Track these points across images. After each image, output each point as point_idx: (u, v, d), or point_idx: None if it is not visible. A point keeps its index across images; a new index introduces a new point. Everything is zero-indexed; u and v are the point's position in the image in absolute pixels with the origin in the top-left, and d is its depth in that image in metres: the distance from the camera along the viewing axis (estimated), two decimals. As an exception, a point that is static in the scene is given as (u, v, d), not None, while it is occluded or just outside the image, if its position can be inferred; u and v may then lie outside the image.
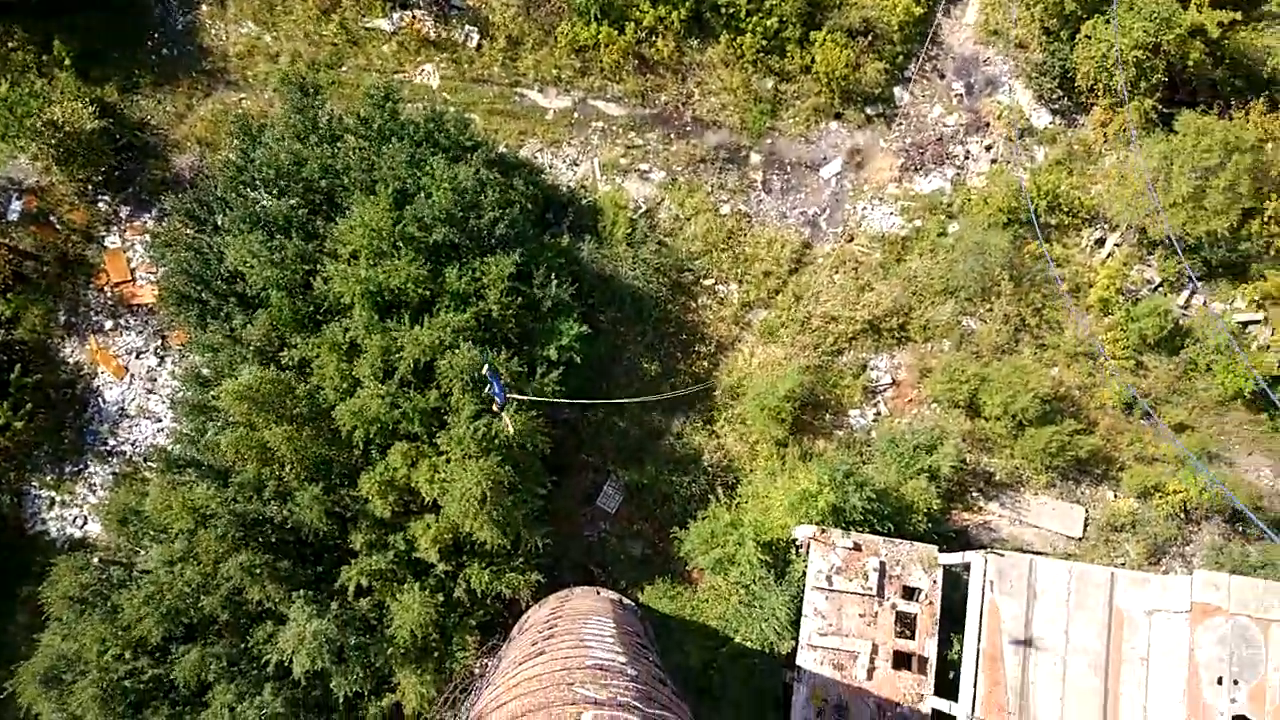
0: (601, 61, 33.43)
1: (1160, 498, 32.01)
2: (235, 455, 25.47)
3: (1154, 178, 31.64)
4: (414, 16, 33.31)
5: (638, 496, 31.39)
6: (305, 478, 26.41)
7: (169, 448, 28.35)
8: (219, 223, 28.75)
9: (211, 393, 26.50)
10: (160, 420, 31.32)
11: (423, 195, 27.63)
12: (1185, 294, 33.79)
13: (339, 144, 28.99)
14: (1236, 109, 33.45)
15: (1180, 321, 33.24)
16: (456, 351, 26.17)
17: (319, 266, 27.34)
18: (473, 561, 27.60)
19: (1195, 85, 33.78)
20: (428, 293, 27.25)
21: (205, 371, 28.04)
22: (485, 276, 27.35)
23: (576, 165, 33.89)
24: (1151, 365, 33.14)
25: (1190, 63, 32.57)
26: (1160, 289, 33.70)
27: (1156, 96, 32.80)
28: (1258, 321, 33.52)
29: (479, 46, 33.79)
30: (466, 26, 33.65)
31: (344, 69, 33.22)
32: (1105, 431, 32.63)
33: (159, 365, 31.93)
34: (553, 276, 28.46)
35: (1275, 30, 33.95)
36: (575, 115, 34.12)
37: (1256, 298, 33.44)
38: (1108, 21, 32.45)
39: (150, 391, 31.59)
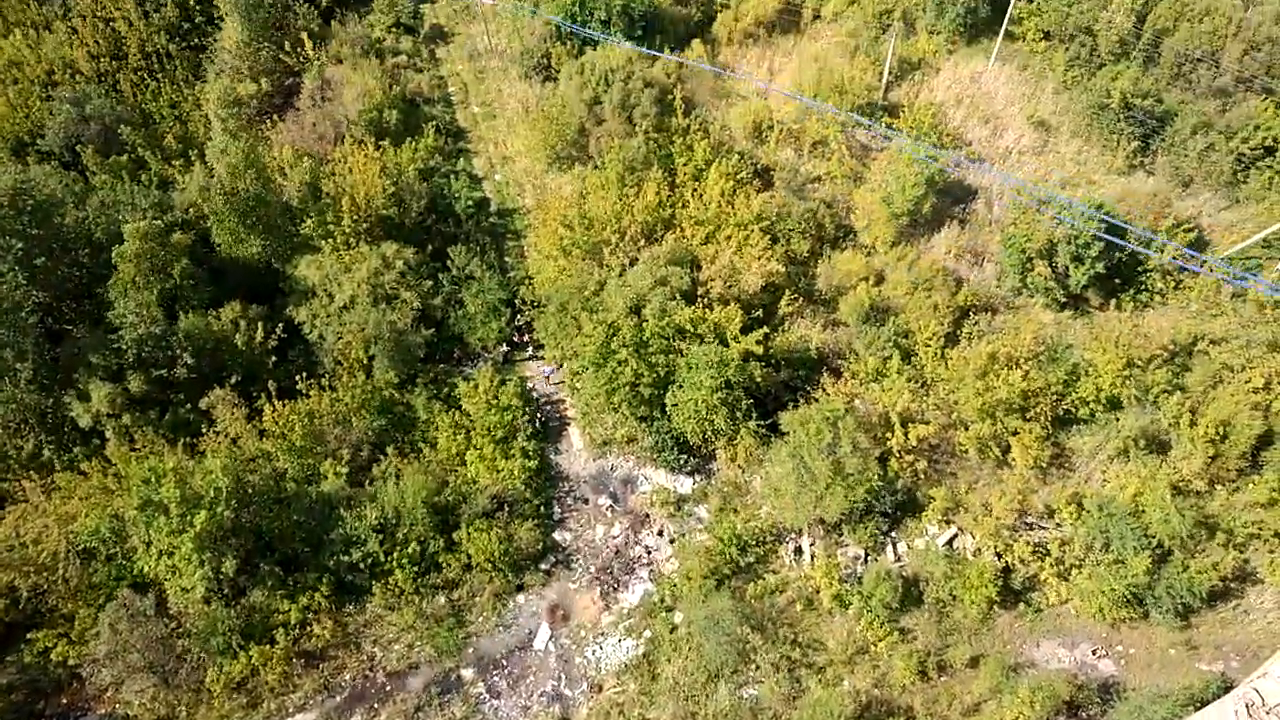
0: (267, 682, 34.43)
1: (1007, 733, 35.31)
2: None
3: (797, 475, 38.83)
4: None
5: None
6: None
7: None
8: None
9: None
10: None
11: None
12: (890, 550, 40.29)
13: None
14: (814, 390, 43.11)
15: (904, 574, 39.21)
16: None
17: None
18: None
19: (775, 392, 43.29)
20: None
21: None
22: None
23: (294, 798, 33.07)
24: (912, 625, 38.25)
25: (759, 380, 41.98)
26: (869, 558, 39.87)
27: (754, 417, 41.33)
28: (955, 535, 40.68)
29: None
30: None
31: None
32: (923, 708, 36.20)
33: None
34: None
35: (797, 324, 45.37)
36: (265, 755, 33.89)
37: (939, 517, 40.92)
38: (680, 387, 41.19)
39: None
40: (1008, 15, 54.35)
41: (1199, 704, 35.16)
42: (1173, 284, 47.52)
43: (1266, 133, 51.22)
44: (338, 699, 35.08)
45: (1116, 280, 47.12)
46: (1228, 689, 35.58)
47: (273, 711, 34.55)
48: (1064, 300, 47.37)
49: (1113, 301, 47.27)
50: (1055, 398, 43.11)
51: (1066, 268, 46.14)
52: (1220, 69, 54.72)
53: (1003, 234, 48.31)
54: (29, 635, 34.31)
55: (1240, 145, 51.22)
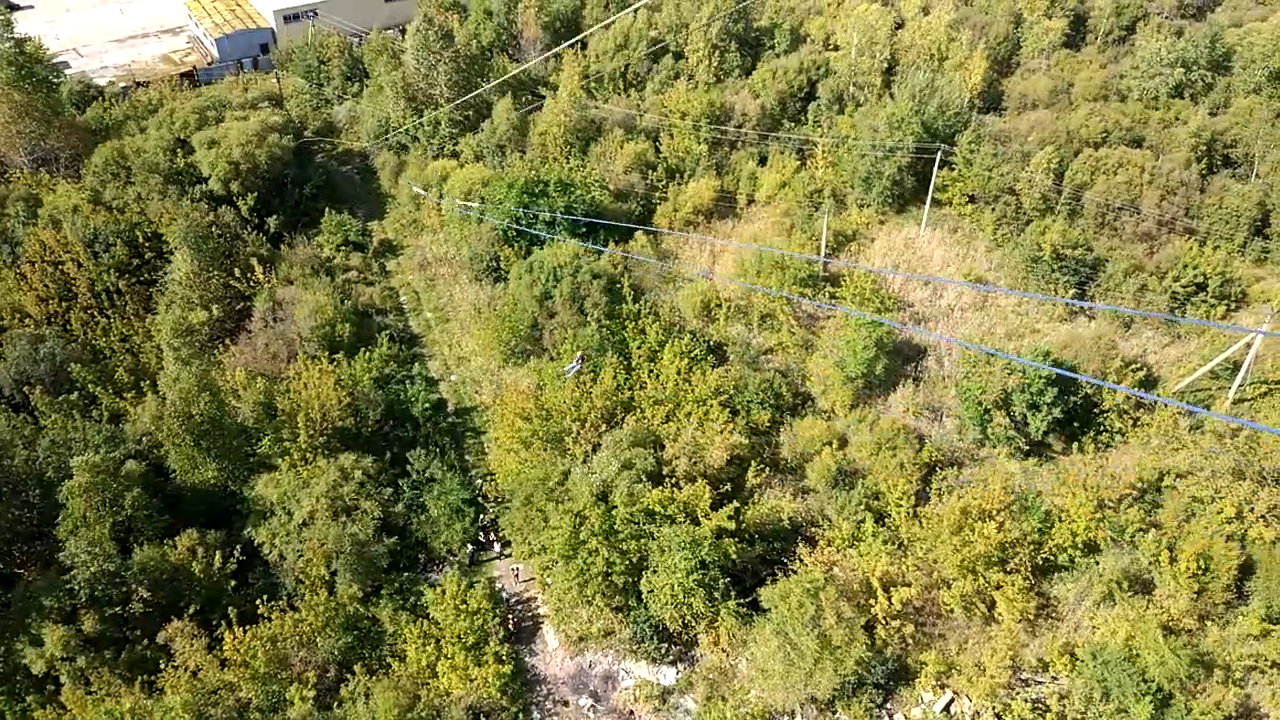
0: None
1: None
2: None
3: (784, 653, 40.57)
4: None
5: None
6: None
7: None
8: None
9: None
10: None
11: None
12: (887, 721, 41.62)
13: None
14: (791, 562, 45.54)
15: (905, 747, 40.42)
16: None
17: None
18: None
19: (752, 568, 45.74)
20: None
21: None
22: None
23: None
24: (920, 803, 39.01)
25: (734, 556, 44.40)
26: (867, 733, 41.13)
27: (733, 596, 43.50)
28: (952, 700, 42.21)
29: None
30: None
31: None
32: None
33: None
34: None
35: (766, 495, 48.43)
36: None
37: (933, 683, 42.58)
38: (655, 572, 43.46)
39: None
40: (931, 184, 61.62)
41: None
42: (1130, 422, 51.86)
43: (1195, 271, 57.54)
44: None
45: (1075, 424, 51.35)
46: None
47: None
48: (1027, 448, 51.34)
49: (1075, 445, 51.27)
50: (1033, 547, 46.02)
51: (1024, 416, 50.41)
52: (1142, 215, 61.93)
53: (957, 388, 52.82)
54: None
55: (1173, 284, 57.35)
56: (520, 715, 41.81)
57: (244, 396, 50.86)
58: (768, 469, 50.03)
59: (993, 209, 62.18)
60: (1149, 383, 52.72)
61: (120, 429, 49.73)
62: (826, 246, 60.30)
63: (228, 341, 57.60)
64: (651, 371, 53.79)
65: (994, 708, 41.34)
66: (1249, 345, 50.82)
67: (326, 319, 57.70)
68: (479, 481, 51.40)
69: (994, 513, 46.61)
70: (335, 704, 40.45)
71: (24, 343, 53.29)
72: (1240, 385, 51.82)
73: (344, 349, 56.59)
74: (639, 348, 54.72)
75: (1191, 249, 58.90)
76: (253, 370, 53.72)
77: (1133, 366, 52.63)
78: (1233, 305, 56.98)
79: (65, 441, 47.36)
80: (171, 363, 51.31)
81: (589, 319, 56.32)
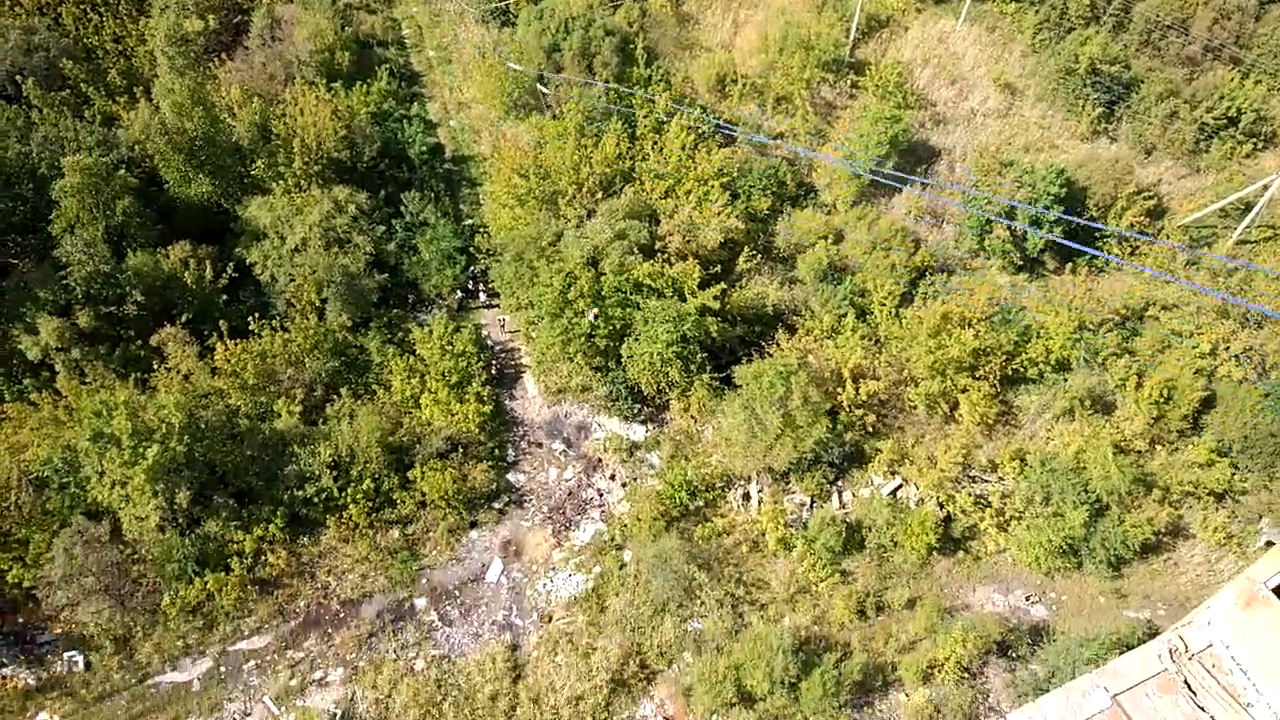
0: (223, 607, 40.52)
1: (940, 672, 42.36)
2: None
3: (748, 427, 45.49)
4: (4, 677, 37.87)
5: None
6: None
7: None
8: None
9: None
10: None
11: None
12: (835, 498, 47.25)
13: None
14: (769, 346, 49.78)
15: (848, 520, 46.16)
16: None
17: None
18: None
19: (730, 346, 49.96)
20: None
21: None
22: None
23: (249, 716, 39.03)
24: (853, 568, 45.30)
25: (715, 334, 48.50)
26: (815, 505, 46.81)
27: (708, 371, 47.97)
28: (900, 486, 47.71)
29: (88, 665, 39.09)
30: (66, 655, 39.02)
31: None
32: (860, 644, 43.05)
33: None
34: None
35: (754, 281, 52.07)
36: (221, 670, 40.06)
37: (885, 469, 47.92)
38: (636, 339, 47.63)
39: None
40: (977, -26, 61.51)
41: (1125, 648, 42.04)
42: (1129, 250, 55.03)
43: (1231, 102, 58.93)
44: (292, 624, 41.23)
45: (1073, 245, 54.42)
46: (1153, 635, 42.60)
47: (228, 634, 40.63)
48: (1020, 263, 54.69)
49: (1069, 266, 54.62)
50: (1005, 358, 50.33)
51: (1025, 231, 53.37)
52: (1189, 37, 62.47)
53: (964, 196, 55.42)
54: (-16, 558, 39.84)
55: (1204, 114, 58.87)
56: (496, 450, 47.17)
57: (239, 115, 52.92)
58: (760, 256, 53.32)
59: (1036, 11, 62.44)
60: (1157, 213, 55.47)
61: (113, 133, 51.92)
62: (857, 30, 60.93)
63: (224, 56, 58.86)
64: (655, 144, 55.81)
65: (938, 496, 46.83)
66: (1266, 188, 53.26)
67: (326, 44, 58.79)
68: (472, 231, 54.55)
69: (974, 321, 50.61)
70: (320, 420, 45.41)
71: (16, 33, 54.44)
72: (1247, 226, 54.70)
73: (342, 79, 58.06)
74: (645, 116, 56.42)
75: (1232, 80, 59.97)
76: (249, 89, 55.43)
77: (1144, 194, 55.19)
78: (1260, 144, 58.82)
79: (58, 139, 49.68)
80: (165, 71, 52.69)
81: (597, 79, 57.61)
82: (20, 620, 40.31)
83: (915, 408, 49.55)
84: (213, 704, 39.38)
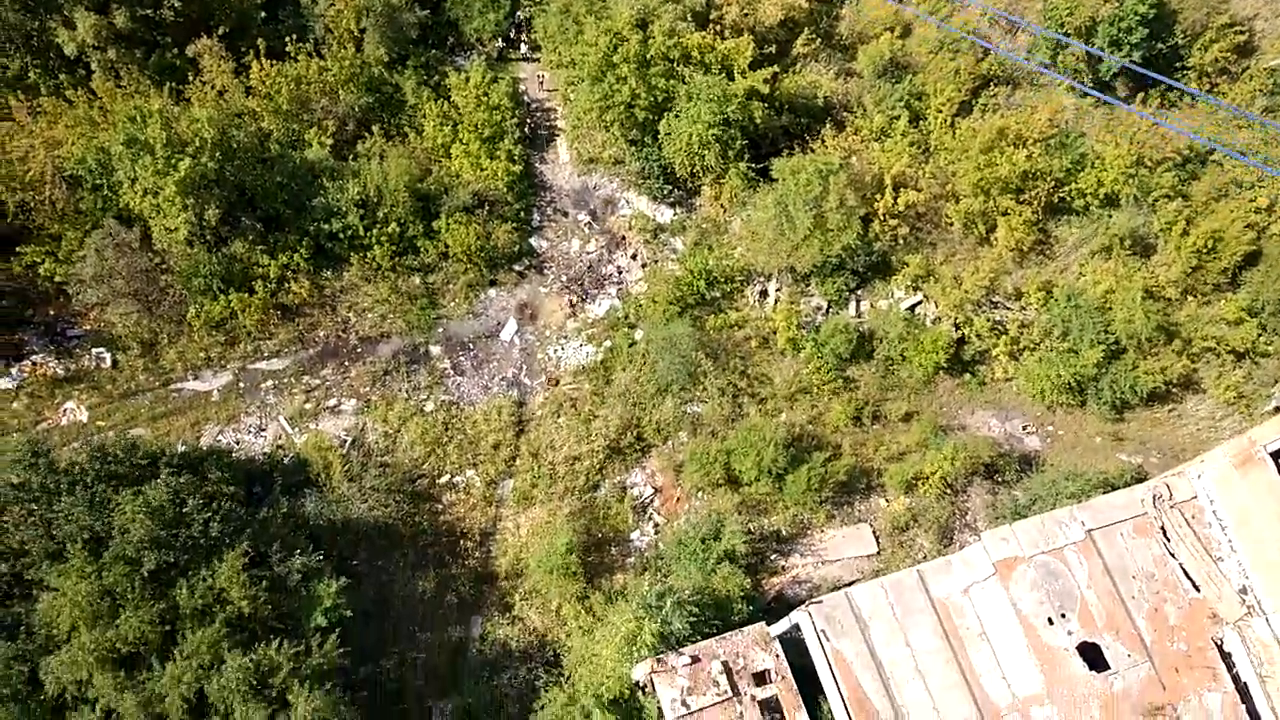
0: (245, 326, 42.98)
1: (924, 485, 45.03)
2: None
3: (778, 223, 46.05)
4: (35, 364, 40.83)
5: (470, 719, 38.77)
6: None
7: None
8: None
9: None
10: None
11: (118, 533, 34.43)
12: (853, 305, 48.39)
13: (4, 519, 35.17)
14: (813, 141, 49.40)
15: (861, 329, 47.54)
16: (222, 667, 32.76)
17: (38, 661, 32.98)
18: None
19: (772, 137, 49.58)
20: (167, 626, 33.82)
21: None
22: (219, 579, 34.50)
23: (263, 431, 42.36)
24: (857, 375, 47.10)
25: (758, 121, 48.07)
26: (830, 310, 48.08)
27: (745, 159, 47.89)
28: (920, 302, 48.69)
29: (115, 364, 41.99)
30: (94, 351, 41.84)
31: (-22, 442, 39.65)
32: (851, 448, 45.50)
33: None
34: (290, 548, 36.17)
35: (809, 68, 50.94)
36: (240, 385, 42.96)
37: (908, 283, 48.75)
38: (676, 116, 47.31)
39: None
40: None
41: (1110, 488, 44.34)
42: (1207, 87, 53.08)
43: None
44: (311, 352, 43.96)
45: (1150, 74, 52.47)
46: (1141, 480, 44.67)
47: (249, 353, 43.40)
48: (1090, 86, 52.94)
49: (1140, 95, 52.90)
50: (1054, 184, 49.79)
51: (1102, 51, 51.36)
52: None
53: (1045, 4, 52.94)
54: (17, 248, 41.89)
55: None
56: (521, 212, 48.18)
57: None
58: (819, 41, 51.84)
59: None
60: (1246, 49, 53.08)
61: None
62: None
63: None
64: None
65: (956, 318, 47.87)
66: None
67: None
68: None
69: (1030, 141, 49.73)
70: (351, 156, 46.18)
71: None
72: (1339, 80, 52.48)
73: None
74: None
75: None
76: None
77: (1236, 28, 52.65)
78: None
79: None
80: None
81: None
82: (51, 313, 42.98)
83: (951, 225, 49.71)
84: (230, 415, 42.61)
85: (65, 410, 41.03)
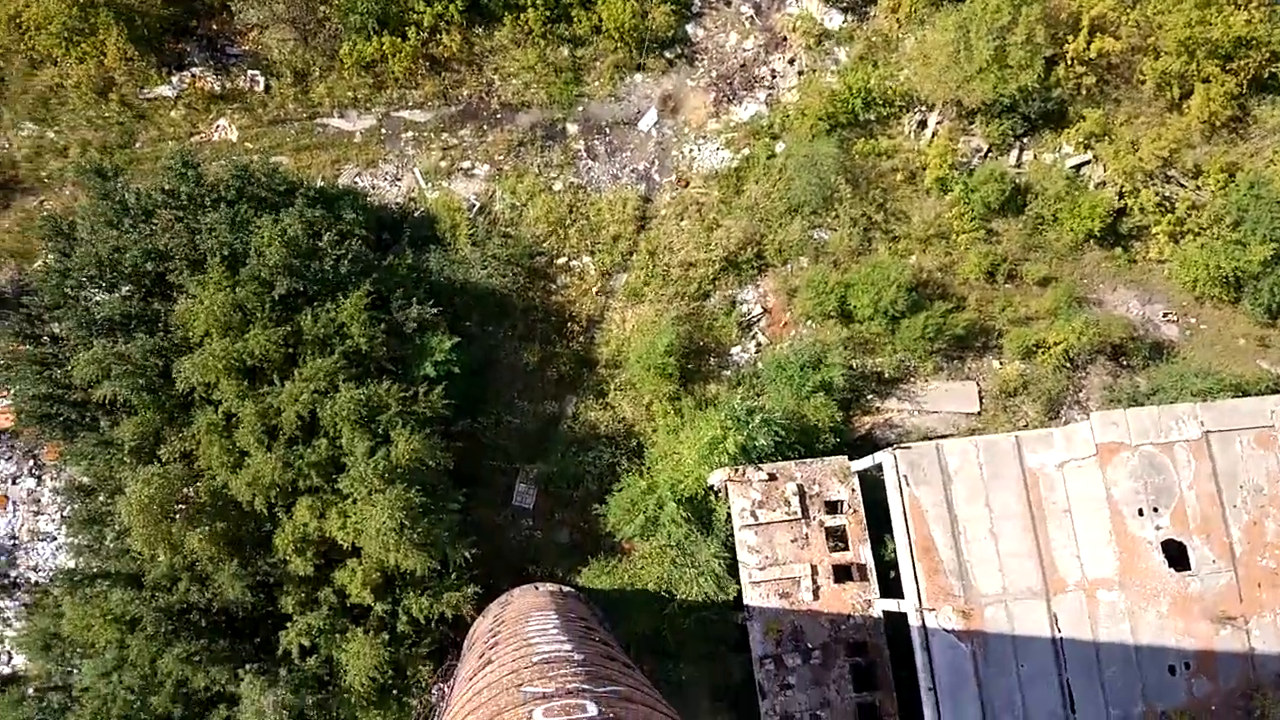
0: (394, 72, 43.83)
1: (1043, 354, 44.39)
2: (146, 548, 34.42)
3: (954, 49, 43.76)
4: (194, 76, 42.85)
5: (551, 487, 41.77)
6: (219, 557, 35.49)
7: (72, 565, 37.01)
8: (56, 332, 37.42)
9: (102, 498, 35.38)
10: (55, 539, 39.92)
11: (255, 254, 36.94)
12: (1014, 153, 46.32)
13: (154, 222, 37.97)
14: (1013, -35, 45.94)
15: (1018, 181, 45.69)
16: (336, 395, 35.67)
17: (172, 358, 36.37)
18: (408, 592, 37.33)
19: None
20: (289, 348, 36.72)
21: (86, 480, 36.80)
22: (342, 314, 37.00)
23: (398, 180, 44.02)
24: (1002, 229, 45.70)
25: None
26: (990, 154, 46.17)
27: (934, -24, 45.12)
28: (1087, 162, 46.30)
29: (267, 89, 43.71)
30: (249, 73, 43.54)
31: (138, 144, 42.76)
32: (976, 304, 44.85)
33: (38, 485, 40.60)
34: (410, 298, 38.34)
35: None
36: (382, 131, 44.33)
37: (1080, 139, 46.23)
38: (871, -87, 44.54)
39: (37, 513, 40.21)
40: None
41: (1242, 394, 42.79)
42: None
43: None
44: (453, 110, 44.98)
45: None
46: (1278, 392, 43.06)
47: (394, 99, 44.68)
48: (1348, -53, 47.38)
49: (1406, -32, 47.20)
50: (1268, 57, 45.59)
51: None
52: None
53: None
54: None
55: None
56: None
57: None
58: None
59: None
60: None
61: None
62: None
63: None
64: None
65: (1123, 186, 45.44)
66: None
67: None
68: None
69: (1254, 4, 45.27)
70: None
71: None
72: None
73: None
74: None
75: None
76: None
77: None
78: None
79: None
80: None
81: None
82: (214, 27, 44.59)
83: (1143, 83, 46.38)
84: (369, 160, 44.33)
85: (218, 127, 43.28)
